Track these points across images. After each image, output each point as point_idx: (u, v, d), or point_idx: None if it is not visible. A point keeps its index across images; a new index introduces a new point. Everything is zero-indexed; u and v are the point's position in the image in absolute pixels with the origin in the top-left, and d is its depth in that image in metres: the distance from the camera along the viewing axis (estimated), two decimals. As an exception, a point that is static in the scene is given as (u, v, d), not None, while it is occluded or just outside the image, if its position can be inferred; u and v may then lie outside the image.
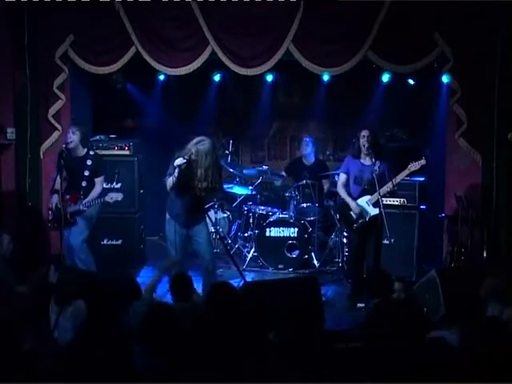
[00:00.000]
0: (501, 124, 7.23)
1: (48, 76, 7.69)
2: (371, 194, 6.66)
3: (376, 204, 6.63)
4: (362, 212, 6.72)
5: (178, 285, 5.05)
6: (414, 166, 6.62)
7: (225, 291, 4.41)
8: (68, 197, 6.76)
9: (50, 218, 6.88)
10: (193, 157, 5.95)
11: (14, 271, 6.01)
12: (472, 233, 7.32)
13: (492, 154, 7.28)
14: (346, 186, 6.91)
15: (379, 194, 6.53)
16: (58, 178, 6.65)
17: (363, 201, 6.75)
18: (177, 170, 5.95)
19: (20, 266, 6.48)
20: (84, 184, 6.74)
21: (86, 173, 6.75)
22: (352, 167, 6.83)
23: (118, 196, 6.66)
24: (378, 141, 6.85)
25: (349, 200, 6.79)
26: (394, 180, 6.60)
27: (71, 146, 6.74)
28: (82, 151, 6.83)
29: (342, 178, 6.93)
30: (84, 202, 6.69)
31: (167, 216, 6.31)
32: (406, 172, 6.65)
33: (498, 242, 7.34)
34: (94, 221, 6.93)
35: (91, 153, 6.86)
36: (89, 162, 6.78)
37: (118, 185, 7.83)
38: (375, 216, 6.65)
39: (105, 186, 7.79)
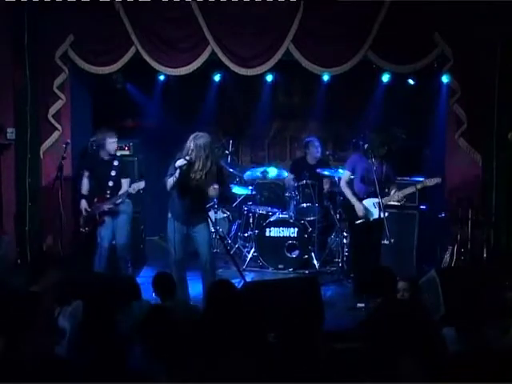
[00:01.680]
0: (501, 124, 7.24)
1: (48, 76, 7.70)
2: (378, 197, 6.60)
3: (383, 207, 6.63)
4: (367, 213, 6.74)
5: (161, 284, 5.04)
6: (429, 182, 6.67)
7: (226, 289, 4.41)
8: (96, 199, 6.94)
9: (82, 222, 7.04)
10: (193, 154, 5.97)
11: (20, 272, 6.03)
12: (472, 233, 7.32)
13: (492, 153, 7.29)
14: (350, 183, 6.89)
15: (387, 200, 6.64)
16: (85, 181, 7.01)
17: (370, 202, 6.74)
18: (178, 171, 5.98)
19: (28, 266, 6.53)
20: (111, 184, 6.91)
21: (113, 173, 6.91)
22: (359, 166, 6.82)
23: (140, 184, 6.79)
24: (390, 147, 6.85)
25: (354, 200, 6.76)
26: (403, 191, 6.66)
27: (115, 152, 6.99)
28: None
29: (347, 175, 6.88)
30: (111, 201, 6.85)
31: (169, 215, 6.33)
32: (419, 186, 6.73)
33: (498, 242, 7.34)
34: (131, 216, 7.18)
35: (118, 154, 7.04)
36: (116, 163, 6.94)
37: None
38: (378, 219, 6.64)
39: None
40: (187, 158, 5.96)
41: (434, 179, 6.67)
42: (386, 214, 6.61)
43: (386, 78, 8.30)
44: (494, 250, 7.28)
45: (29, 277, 4.88)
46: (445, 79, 7.56)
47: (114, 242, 7.11)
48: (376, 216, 6.69)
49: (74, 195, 7.92)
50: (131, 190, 6.77)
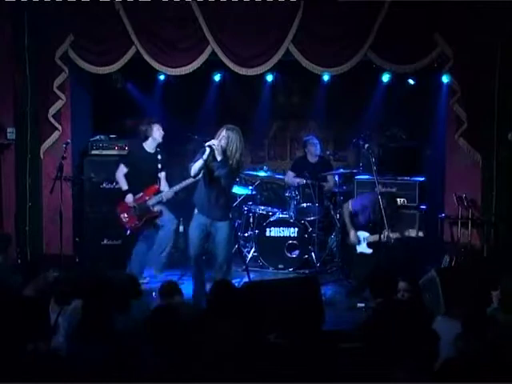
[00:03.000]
0: (501, 124, 7.24)
1: (48, 76, 7.70)
2: (370, 233, 6.90)
3: (370, 245, 6.92)
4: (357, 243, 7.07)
5: (167, 292, 5.05)
6: (412, 233, 6.94)
7: (226, 289, 4.42)
8: (141, 194, 7.05)
9: (127, 219, 7.08)
10: (223, 140, 5.98)
11: (18, 275, 6.03)
12: (472, 233, 7.33)
13: (492, 153, 7.29)
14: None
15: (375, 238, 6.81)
16: (123, 178, 7.11)
17: (360, 235, 7.03)
18: (207, 151, 5.92)
19: (24, 269, 6.53)
20: (160, 175, 7.12)
21: (159, 165, 7.12)
22: (365, 213, 7.04)
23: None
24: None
25: (350, 228, 7.12)
26: (389, 234, 6.68)
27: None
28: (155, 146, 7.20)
29: (350, 209, 7.17)
30: (173, 190, 7.00)
31: (195, 211, 6.32)
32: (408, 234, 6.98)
33: (498, 242, 7.34)
34: None
35: (158, 149, 7.19)
36: (159, 157, 7.13)
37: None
38: (363, 253, 6.99)
39: (105, 185, 7.85)
40: (216, 142, 5.94)
41: (418, 233, 6.97)
42: (370, 251, 6.93)
43: (386, 78, 8.30)
44: (494, 250, 7.28)
45: (23, 279, 4.88)
46: (445, 79, 7.56)
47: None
48: (361, 250, 7.02)
49: (74, 195, 7.93)
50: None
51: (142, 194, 7.03)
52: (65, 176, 7.42)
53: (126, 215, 7.04)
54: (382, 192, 6.66)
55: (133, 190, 7.09)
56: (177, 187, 6.95)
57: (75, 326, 4.18)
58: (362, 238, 7.02)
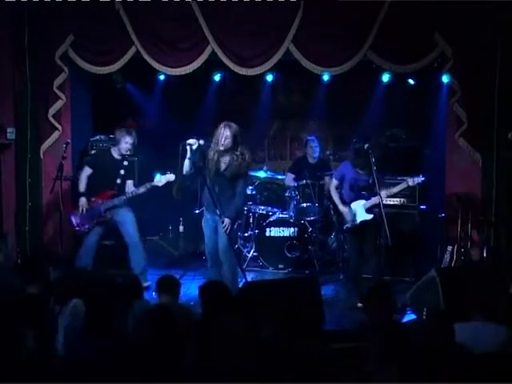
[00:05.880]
0: (501, 124, 7.24)
1: (48, 76, 7.70)
2: (366, 199, 6.68)
3: (369, 210, 6.66)
4: (354, 215, 6.75)
5: (166, 286, 5.03)
6: (411, 182, 6.71)
7: (217, 290, 4.43)
8: (94, 198, 6.98)
9: (78, 221, 7.00)
10: (225, 141, 6.08)
11: (20, 273, 6.04)
12: (472, 233, 7.33)
13: (492, 153, 7.29)
14: (338, 189, 6.94)
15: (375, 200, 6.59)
16: (84, 179, 7.03)
17: (358, 204, 6.74)
18: (188, 149, 6.07)
19: (26, 266, 6.54)
20: (119, 181, 7.02)
21: (122, 172, 7.02)
22: (348, 175, 6.83)
23: (170, 177, 6.84)
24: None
25: (339, 204, 6.85)
26: (390, 191, 6.71)
27: (129, 152, 7.12)
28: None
29: (334, 183, 6.92)
30: (121, 198, 6.93)
31: (203, 208, 6.52)
32: (404, 186, 6.75)
33: (498, 242, 7.34)
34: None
35: (126, 155, 7.14)
36: (125, 163, 7.07)
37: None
38: (366, 221, 6.69)
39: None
40: (200, 141, 6.10)
41: (418, 178, 6.72)
42: (371, 216, 6.63)
43: (386, 77, 8.31)
44: (494, 250, 7.29)
45: (25, 277, 4.86)
46: (445, 79, 7.56)
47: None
48: (363, 218, 6.70)
49: (74, 195, 7.93)
50: (157, 183, 6.78)
51: (96, 197, 6.98)
52: (65, 176, 7.42)
53: (76, 217, 6.99)
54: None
55: (94, 192, 7.03)
56: (124, 196, 6.93)
57: (75, 326, 4.19)
58: (361, 206, 6.72)
